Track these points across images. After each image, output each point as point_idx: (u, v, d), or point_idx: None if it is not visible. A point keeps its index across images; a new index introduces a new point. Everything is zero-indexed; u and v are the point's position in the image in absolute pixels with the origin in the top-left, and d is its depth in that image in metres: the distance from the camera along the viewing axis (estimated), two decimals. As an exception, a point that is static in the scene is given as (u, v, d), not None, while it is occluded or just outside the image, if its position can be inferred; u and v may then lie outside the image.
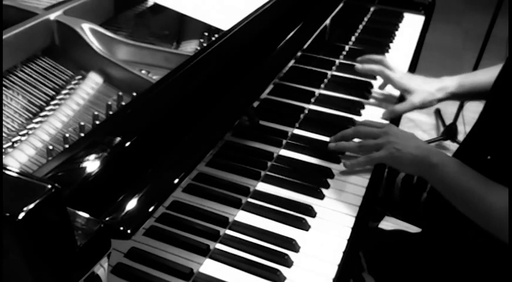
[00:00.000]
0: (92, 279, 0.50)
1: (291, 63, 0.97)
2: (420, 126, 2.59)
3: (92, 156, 0.57)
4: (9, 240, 0.42)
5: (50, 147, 0.71)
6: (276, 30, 0.96)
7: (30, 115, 0.79)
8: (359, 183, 0.93)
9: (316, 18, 1.10)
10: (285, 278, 0.74)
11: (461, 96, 1.15)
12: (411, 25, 1.56)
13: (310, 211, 0.85)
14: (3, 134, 0.74)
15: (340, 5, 1.20)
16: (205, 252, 0.76)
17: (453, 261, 0.96)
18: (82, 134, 0.75)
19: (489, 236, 0.82)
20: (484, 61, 2.33)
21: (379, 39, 1.46)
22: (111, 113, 0.80)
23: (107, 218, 0.53)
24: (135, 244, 0.58)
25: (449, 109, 2.47)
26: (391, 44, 1.44)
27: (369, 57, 1.21)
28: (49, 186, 0.43)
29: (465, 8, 3.99)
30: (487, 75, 1.06)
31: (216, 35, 1.01)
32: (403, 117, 1.22)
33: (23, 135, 0.75)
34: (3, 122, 0.76)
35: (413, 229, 1.16)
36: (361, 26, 1.51)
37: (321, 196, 0.89)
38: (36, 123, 0.78)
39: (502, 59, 1.07)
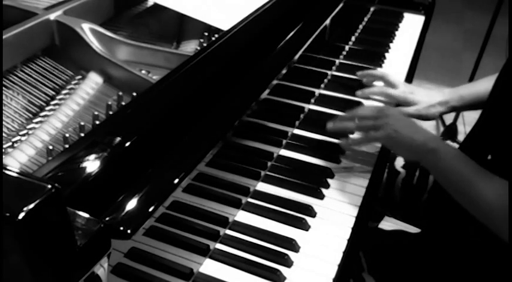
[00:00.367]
0: (92, 279, 0.50)
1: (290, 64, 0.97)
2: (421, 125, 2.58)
3: (92, 156, 0.57)
4: (9, 240, 0.42)
5: (50, 147, 0.71)
6: (276, 30, 0.96)
7: (30, 115, 0.79)
8: (359, 183, 0.93)
9: (316, 18, 1.10)
10: (285, 278, 0.74)
11: (463, 108, 1.16)
12: (411, 25, 1.56)
13: (310, 211, 0.85)
14: (3, 134, 0.74)
15: (340, 5, 1.20)
16: (205, 252, 0.76)
17: (453, 261, 0.96)
18: (82, 134, 0.75)
19: (488, 236, 0.82)
20: (484, 61, 2.34)
21: (379, 39, 1.46)
22: (111, 113, 0.80)
23: (107, 218, 0.53)
24: (135, 244, 0.58)
25: (449, 109, 2.47)
26: (391, 44, 1.44)
27: (369, 73, 1.20)
28: (49, 186, 0.43)
29: (465, 8, 3.99)
30: (487, 84, 1.06)
31: (216, 35, 1.01)
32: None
33: (23, 135, 0.75)
34: (3, 122, 0.76)
35: (413, 229, 1.16)
36: (361, 26, 1.51)
37: (321, 196, 0.89)
38: (36, 123, 0.78)
39: (502, 59, 1.07)
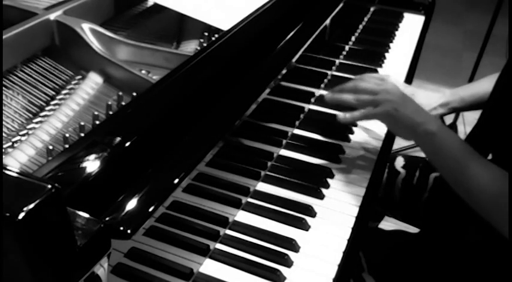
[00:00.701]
0: (92, 279, 0.50)
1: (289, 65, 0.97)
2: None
3: (92, 156, 0.57)
4: (9, 240, 0.42)
5: (50, 147, 0.71)
6: (276, 30, 0.96)
7: (30, 115, 0.79)
8: (359, 183, 0.93)
9: (316, 18, 1.10)
10: (285, 278, 0.74)
11: (463, 109, 1.16)
12: (411, 25, 1.56)
13: (310, 211, 0.85)
14: (3, 134, 0.74)
15: (340, 5, 1.20)
16: (205, 252, 0.76)
17: (453, 261, 0.96)
18: (82, 134, 0.75)
19: (488, 236, 0.82)
20: (484, 61, 2.34)
21: (379, 39, 1.46)
22: (111, 113, 0.80)
23: (107, 218, 0.53)
24: (135, 244, 0.58)
25: (449, 109, 2.47)
26: (391, 44, 1.44)
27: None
28: (49, 186, 0.43)
29: (465, 8, 3.99)
30: (487, 85, 1.06)
31: (216, 35, 1.01)
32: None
33: (23, 135, 0.75)
34: (3, 122, 0.76)
35: (413, 229, 1.16)
36: (361, 26, 1.51)
37: (321, 196, 0.89)
38: (36, 123, 0.78)
39: (502, 59, 1.07)
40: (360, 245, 0.98)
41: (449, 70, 3.06)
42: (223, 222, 0.81)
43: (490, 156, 0.97)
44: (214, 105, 0.75)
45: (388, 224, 1.53)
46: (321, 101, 1.15)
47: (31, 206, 0.41)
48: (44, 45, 0.88)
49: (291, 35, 0.97)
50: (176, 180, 0.63)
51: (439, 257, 0.97)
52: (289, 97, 1.04)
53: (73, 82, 0.87)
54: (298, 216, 0.84)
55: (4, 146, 0.72)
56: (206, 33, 1.03)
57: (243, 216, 0.84)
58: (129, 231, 0.54)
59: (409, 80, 1.30)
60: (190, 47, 1.01)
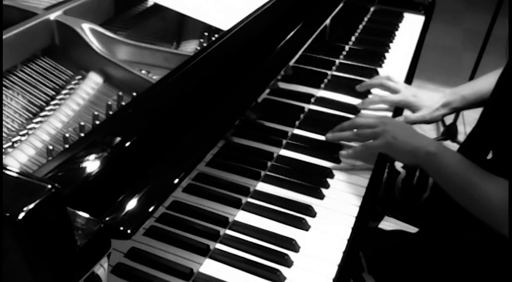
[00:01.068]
0: (92, 279, 0.50)
1: (291, 64, 0.97)
2: (420, 126, 2.57)
3: (92, 156, 0.57)
4: (9, 240, 0.42)
5: (50, 147, 0.71)
6: (276, 30, 0.96)
7: (30, 115, 0.79)
8: (359, 183, 0.93)
9: (316, 18, 1.10)
10: (285, 278, 0.74)
11: (465, 108, 1.16)
12: (411, 25, 1.56)
13: (310, 211, 0.85)
14: (3, 134, 0.74)
15: (340, 5, 1.20)
16: (205, 252, 0.76)
17: (452, 260, 0.96)
18: (82, 134, 0.75)
19: (488, 235, 0.82)
20: (484, 61, 2.33)
21: (379, 39, 1.46)
22: (111, 113, 0.80)
23: (107, 218, 0.53)
24: (135, 244, 0.58)
25: (449, 109, 2.47)
26: (391, 44, 1.44)
27: (368, 83, 1.19)
28: (49, 186, 0.43)
29: (465, 8, 3.99)
30: (488, 82, 1.06)
31: (216, 35, 1.01)
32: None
33: (23, 135, 0.75)
34: (3, 122, 0.76)
35: (413, 229, 1.16)
36: (361, 26, 1.51)
37: (321, 196, 0.89)
38: (36, 123, 0.78)
39: (502, 59, 1.07)
40: (360, 245, 0.98)
41: (449, 70, 3.06)
42: (223, 222, 0.81)
43: (490, 155, 0.97)
44: (214, 105, 0.75)
45: (388, 224, 1.53)
46: (321, 101, 1.16)
47: (31, 206, 0.41)
48: (44, 45, 0.88)
49: (291, 35, 0.97)
50: (176, 180, 0.63)
51: (438, 256, 0.97)
52: (289, 97, 1.04)
53: (73, 82, 0.87)
54: (298, 216, 0.84)
55: (4, 146, 0.72)
56: (206, 33, 1.03)
57: (243, 216, 0.84)
58: (129, 231, 0.54)
59: (409, 80, 1.30)
60: (190, 47, 1.01)
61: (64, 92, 0.85)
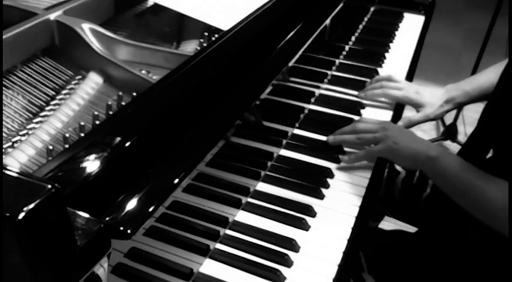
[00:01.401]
0: (92, 279, 0.50)
1: (291, 64, 0.97)
2: (420, 126, 2.56)
3: (92, 156, 0.57)
4: (9, 240, 0.42)
5: (50, 147, 0.71)
6: (276, 30, 0.96)
7: (30, 115, 0.79)
8: (359, 183, 0.93)
9: (316, 18, 1.10)
10: (285, 278, 0.74)
11: (468, 103, 1.16)
12: (411, 25, 1.56)
13: (310, 211, 0.85)
14: (3, 134, 0.74)
15: (340, 5, 1.20)
16: (205, 252, 0.76)
17: (452, 260, 0.96)
18: (82, 134, 0.75)
19: (488, 235, 0.82)
20: (484, 61, 2.33)
21: (379, 39, 1.46)
22: (111, 113, 0.80)
23: (107, 218, 0.53)
24: (135, 244, 0.58)
25: (449, 109, 2.47)
26: (391, 44, 1.44)
27: (371, 87, 1.19)
28: (49, 186, 0.43)
29: (465, 8, 3.99)
30: (490, 76, 1.06)
31: (216, 35, 1.01)
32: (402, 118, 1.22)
33: (23, 135, 0.75)
34: (3, 122, 0.76)
35: (413, 229, 1.16)
36: (361, 26, 1.51)
37: (321, 196, 0.89)
38: (36, 123, 0.78)
39: (502, 58, 1.07)
40: (360, 245, 0.98)
41: (449, 70, 3.06)
42: (223, 222, 0.81)
43: (490, 154, 0.97)
44: (214, 105, 0.75)
45: (388, 224, 1.53)
46: (321, 101, 1.16)
47: (31, 206, 0.41)
48: (44, 45, 0.88)
49: (291, 35, 0.97)
50: (176, 180, 0.63)
51: (438, 256, 0.97)
52: (289, 97, 1.04)
53: (73, 82, 0.87)
54: (298, 216, 0.84)
55: (4, 146, 0.72)
56: (206, 33, 1.03)
57: (243, 216, 0.84)
58: (129, 231, 0.54)
59: (409, 79, 1.30)
60: (190, 47, 1.01)
61: (64, 92, 0.85)
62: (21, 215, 0.40)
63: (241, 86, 0.82)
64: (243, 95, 0.82)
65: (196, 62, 0.77)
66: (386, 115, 1.15)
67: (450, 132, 2.39)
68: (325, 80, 1.23)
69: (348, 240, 0.81)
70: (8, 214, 0.40)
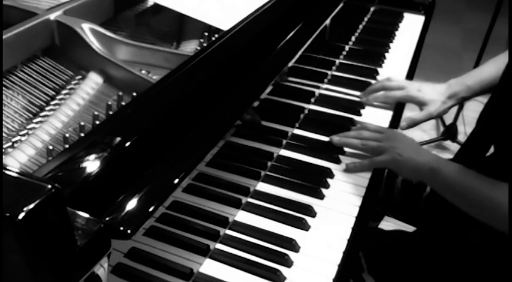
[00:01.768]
0: (92, 279, 0.50)
1: (291, 64, 0.97)
2: (420, 126, 2.55)
3: (92, 156, 0.57)
4: (9, 240, 0.42)
5: (50, 147, 0.71)
6: (276, 30, 0.96)
7: (30, 115, 0.79)
8: (359, 183, 0.93)
9: (316, 18, 1.10)
10: (285, 278, 0.74)
11: (471, 97, 1.16)
12: (411, 25, 1.56)
13: (310, 211, 0.85)
14: (3, 134, 0.74)
15: (340, 5, 1.20)
16: (205, 252, 0.76)
17: (452, 260, 0.96)
18: (82, 134, 0.75)
19: (487, 235, 0.82)
20: (484, 61, 2.33)
21: (379, 39, 1.46)
22: (111, 113, 0.80)
23: (107, 218, 0.53)
24: (135, 244, 0.58)
25: (449, 109, 2.47)
26: (391, 44, 1.44)
27: (371, 89, 1.18)
28: (49, 186, 0.43)
29: (465, 8, 3.99)
30: (491, 69, 1.06)
31: (216, 35, 1.01)
32: (404, 117, 1.22)
33: (23, 135, 0.75)
34: (3, 122, 0.76)
35: (413, 229, 1.16)
36: (361, 26, 1.51)
37: (321, 196, 0.89)
38: (36, 123, 0.78)
39: (502, 59, 1.07)
40: (360, 245, 0.98)
41: (449, 70, 3.05)
42: (223, 222, 0.81)
43: (489, 153, 0.97)
44: (214, 106, 0.75)
45: (388, 224, 1.53)
46: (321, 101, 1.16)
47: (31, 206, 0.41)
48: (44, 45, 0.88)
49: (291, 35, 0.97)
50: (176, 180, 0.63)
51: (438, 256, 0.97)
52: (289, 97, 1.04)
53: (73, 82, 0.87)
54: (298, 216, 0.84)
55: (4, 146, 0.72)
56: (206, 33, 1.03)
57: (243, 216, 0.84)
58: (129, 231, 0.54)
59: (409, 79, 1.30)
60: (190, 47, 1.01)
61: (64, 92, 0.85)
62: (21, 215, 0.40)
63: (241, 86, 0.82)
64: (243, 95, 0.82)
65: (196, 62, 0.77)
66: (387, 115, 1.15)
67: (450, 132, 2.39)
68: (325, 80, 1.23)
69: (348, 240, 0.81)
70: (8, 214, 0.40)
